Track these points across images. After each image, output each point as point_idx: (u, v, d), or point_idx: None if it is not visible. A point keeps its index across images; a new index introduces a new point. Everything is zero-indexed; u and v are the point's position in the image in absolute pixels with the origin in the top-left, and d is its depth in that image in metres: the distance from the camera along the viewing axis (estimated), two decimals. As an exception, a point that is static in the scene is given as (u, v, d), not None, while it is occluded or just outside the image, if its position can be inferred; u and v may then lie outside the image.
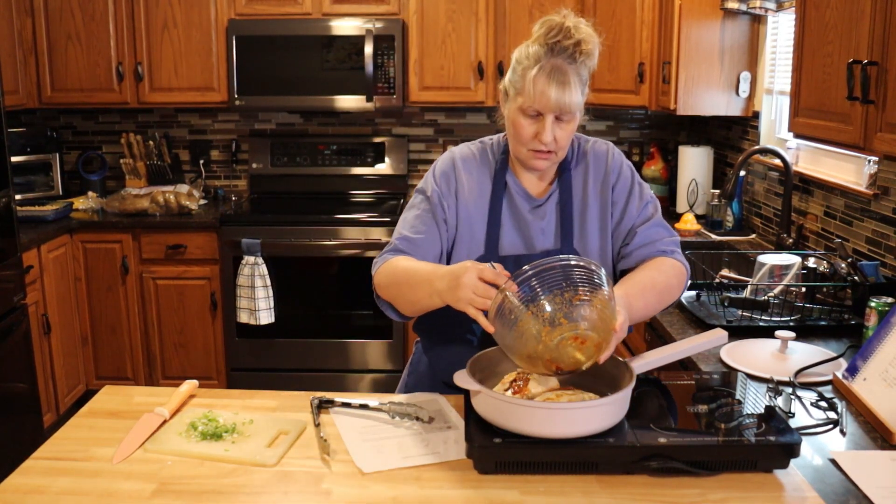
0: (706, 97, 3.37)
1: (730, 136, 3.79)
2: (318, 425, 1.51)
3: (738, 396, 1.51)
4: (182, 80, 4.00)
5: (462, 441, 1.39)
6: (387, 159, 4.30)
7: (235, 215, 3.90)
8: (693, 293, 2.41)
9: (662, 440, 1.31)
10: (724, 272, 2.56)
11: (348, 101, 3.95)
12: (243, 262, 3.73)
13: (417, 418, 1.52)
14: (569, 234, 1.69)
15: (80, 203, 4.03)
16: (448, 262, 1.71)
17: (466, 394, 1.42)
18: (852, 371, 1.72)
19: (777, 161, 3.10)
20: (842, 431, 1.54)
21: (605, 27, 3.70)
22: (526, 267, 1.34)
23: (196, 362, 3.96)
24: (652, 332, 2.44)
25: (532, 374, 1.45)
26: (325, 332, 3.91)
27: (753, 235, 3.39)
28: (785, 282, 2.28)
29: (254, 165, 4.32)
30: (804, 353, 1.91)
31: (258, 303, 3.73)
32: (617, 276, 1.73)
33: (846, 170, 2.72)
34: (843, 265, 2.28)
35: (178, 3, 3.93)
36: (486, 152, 1.76)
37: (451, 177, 1.73)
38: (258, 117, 4.40)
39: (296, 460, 1.41)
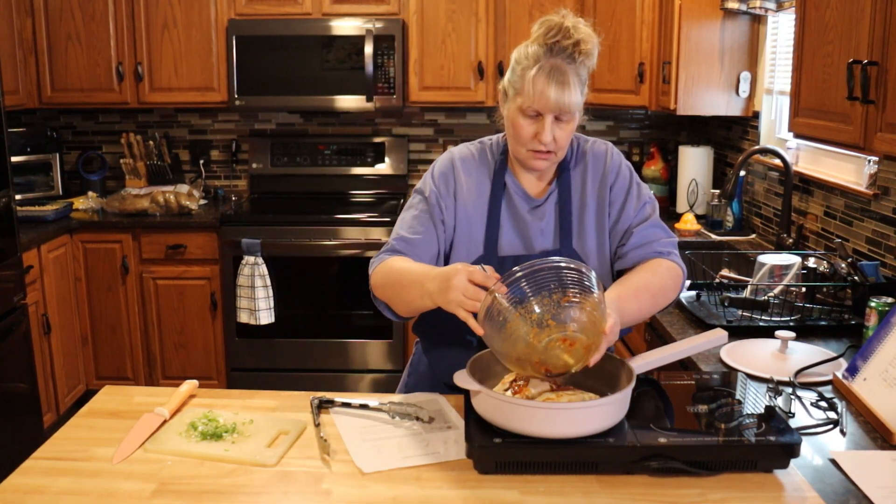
0: (706, 97, 3.37)
1: (730, 136, 3.79)
2: (318, 425, 1.51)
3: (738, 396, 1.51)
4: (182, 80, 4.00)
5: (462, 441, 1.39)
6: (387, 159, 4.30)
7: (235, 215, 3.90)
8: (693, 293, 2.41)
9: (662, 440, 1.31)
10: (724, 272, 2.56)
11: (348, 101, 3.95)
12: (243, 262, 3.73)
13: (417, 418, 1.52)
14: (568, 235, 1.69)
15: (80, 203, 4.03)
16: (446, 263, 1.71)
17: (466, 394, 1.42)
18: (852, 371, 1.72)
19: (777, 161, 3.10)
20: (842, 431, 1.54)
21: (605, 27, 3.70)
22: (516, 268, 1.34)
23: (196, 362, 3.96)
24: (652, 332, 2.44)
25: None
26: (325, 332, 3.91)
27: (753, 235, 3.39)
28: (785, 282, 2.28)
29: (254, 165, 4.32)
30: (804, 353, 1.91)
31: (258, 303, 3.73)
32: (614, 276, 1.73)
33: (846, 170, 2.72)
34: (843, 265, 2.28)
35: (178, 3, 3.93)
36: (486, 152, 1.76)
37: (450, 177, 1.73)
38: (258, 117, 4.40)
39: (296, 460, 1.41)
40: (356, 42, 3.89)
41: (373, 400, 1.60)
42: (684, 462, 1.30)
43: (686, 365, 1.94)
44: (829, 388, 1.75)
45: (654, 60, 3.54)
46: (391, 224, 3.72)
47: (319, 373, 3.92)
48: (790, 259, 2.34)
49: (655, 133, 4.36)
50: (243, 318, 3.77)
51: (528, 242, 1.70)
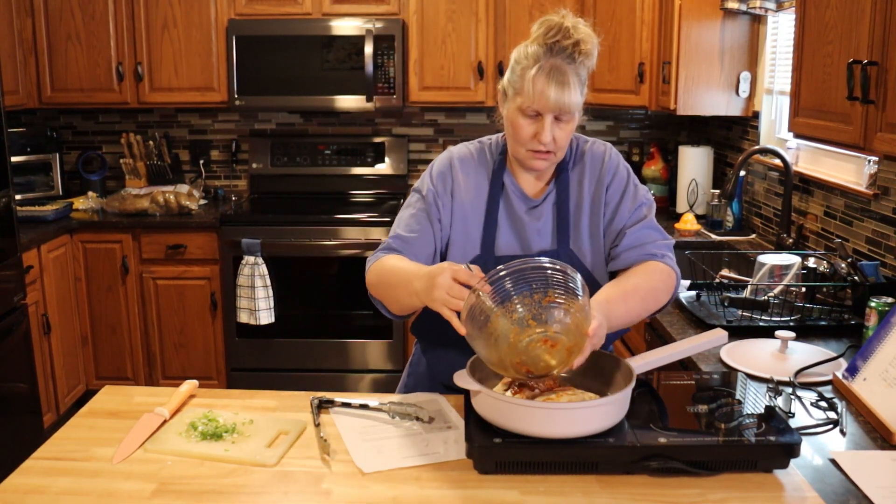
0: (706, 97, 3.37)
1: (730, 136, 3.79)
2: (318, 425, 1.51)
3: (738, 396, 1.51)
4: (182, 80, 4.00)
5: (462, 441, 1.39)
6: (387, 159, 4.30)
7: (235, 215, 3.90)
8: (693, 293, 2.41)
9: (662, 440, 1.31)
10: (724, 272, 2.56)
11: (348, 101, 3.95)
12: (243, 262, 3.73)
13: (417, 418, 1.52)
14: (565, 235, 1.69)
15: (80, 203, 4.03)
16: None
17: (466, 394, 1.42)
18: (852, 371, 1.72)
19: (777, 161, 3.10)
20: (842, 431, 1.54)
21: (605, 27, 3.70)
22: (500, 267, 1.34)
23: (196, 362, 3.96)
24: (652, 332, 2.44)
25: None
26: (325, 332, 3.91)
27: (753, 235, 3.39)
28: (785, 282, 2.28)
29: (254, 165, 4.32)
30: (804, 353, 1.91)
31: (258, 303, 3.73)
32: (609, 278, 1.72)
33: (846, 170, 2.72)
34: (843, 265, 2.28)
35: (178, 3, 3.93)
36: (485, 152, 1.76)
37: (448, 176, 1.73)
38: (258, 117, 4.40)
39: (296, 460, 1.41)
40: (356, 42, 3.89)
41: (373, 400, 1.60)
42: (684, 462, 1.30)
43: (686, 365, 1.94)
44: (829, 388, 1.75)
45: (654, 60, 3.54)
46: (391, 224, 3.70)
47: (319, 373, 3.92)
48: (790, 259, 2.34)
49: (655, 133, 4.36)
50: (243, 318, 3.77)
51: (525, 243, 1.70)
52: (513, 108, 1.61)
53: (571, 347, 1.33)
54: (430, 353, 1.81)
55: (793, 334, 1.90)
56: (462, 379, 1.40)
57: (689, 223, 3.51)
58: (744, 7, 3.16)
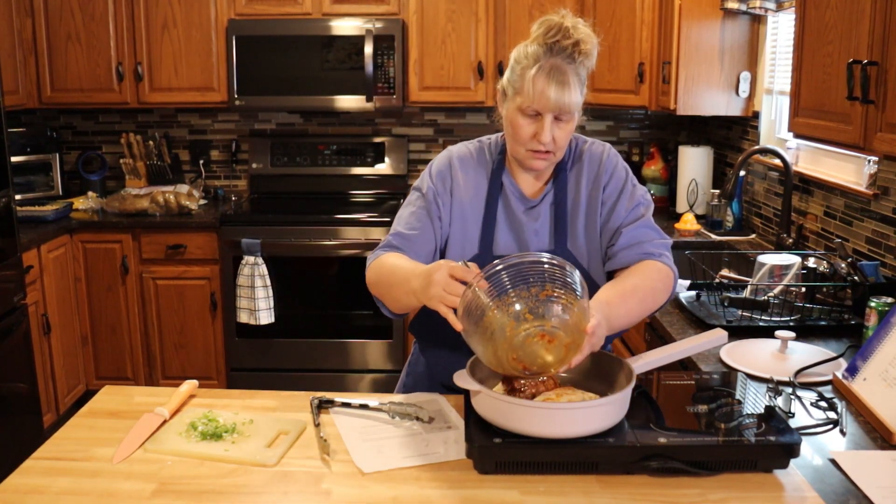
0: (706, 97, 3.37)
1: (730, 136, 3.79)
2: (318, 425, 1.51)
3: (738, 396, 1.51)
4: (182, 80, 4.00)
5: (462, 441, 1.39)
6: (387, 159, 4.30)
7: (235, 215, 3.90)
8: (693, 293, 2.41)
9: (662, 440, 1.31)
10: (724, 272, 2.56)
11: (348, 101, 3.95)
12: (243, 262, 3.73)
13: (417, 418, 1.52)
14: (562, 236, 1.69)
15: (80, 203, 4.03)
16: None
17: (466, 394, 1.42)
18: (852, 371, 1.72)
19: (777, 161, 3.10)
20: (842, 431, 1.54)
21: (605, 27, 3.70)
22: (497, 261, 1.33)
23: (196, 362, 3.96)
24: (652, 332, 2.44)
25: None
26: (325, 332, 3.91)
27: (753, 235, 3.39)
28: (785, 282, 2.28)
29: (254, 165, 4.32)
30: (804, 353, 1.91)
31: (258, 303, 3.73)
32: (606, 278, 1.71)
33: (846, 170, 2.72)
34: (843, 265, 2.28)
35: (178, 3, 3.93)
36: (484, 152, 1.76)
37: (448, 175, 1.73)
38: (258, 117, 4.40)
39: (296, 460, 1.41)
40: (356, 42, 3.89)
41: (373, 400, 1.60)
42: (684, 462, 1.30)
43: (686, 365, 1.94)
44: (829, 388, 1.75)
45: (653, 60, 3.54)
46: (391, 224, 3.71)
47: (319, 373, 3.92)
48: (790, 259, 2.34)
49: (655, 133, 4.36)
50: (243, 318, 3.77)
51: (523, 243, 1.70)
52: (512, 108, 1.61)
53: (570, 344, 1.31)
54: (429, 352, 1.81)
55: (793, 334, 1.90)
56: (462, 379, 1.40)
57: (688, 223, 3.51)
58: (744, 7, 3.16)
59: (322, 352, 3.91)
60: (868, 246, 2.51)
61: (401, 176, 4.31)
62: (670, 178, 4.07)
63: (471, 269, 1.36)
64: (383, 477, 1.34)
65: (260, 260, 3.73)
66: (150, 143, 4.26)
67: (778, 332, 1.91)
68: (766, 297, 2.22)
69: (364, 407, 1.58)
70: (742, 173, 3.48)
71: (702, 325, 2.19)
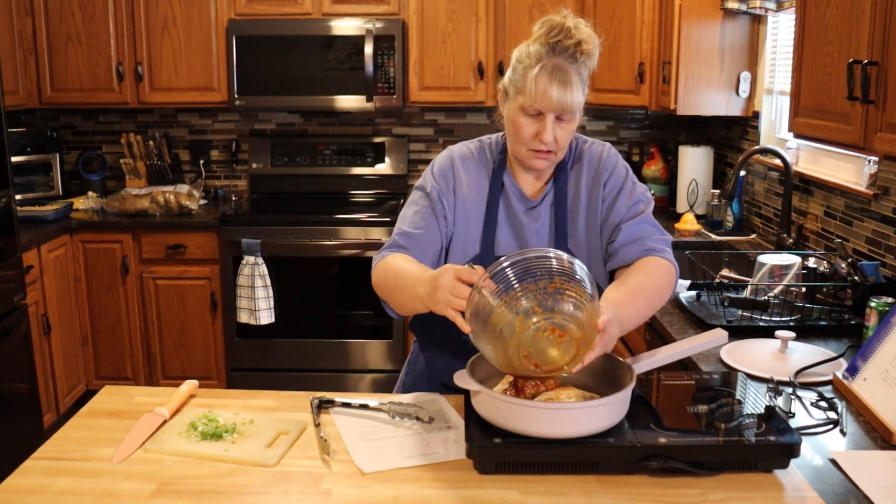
0: (706, 97, 3.37)
1: (730, 136, 3.79)
2: (318, 425, 1.51)
3: (738, 396, 1.51)
4: (182, 80, 4.00)
5: (462, 441, 1.38)
6: (387, 159, 4.30)
7: (235, 215, 3.90)
8: (693, 293, 2.41)
9: (662, 440, 1.31)
10: (724, 272, 2.56)
11: (348, 101, 3.95)
12: (243, 262, 3.73)
13: (417, 418, 1.52)
14: (563, 236, 1.69)
15: (80, 203, 4.03)
16: (445, 260, 1.71)
17: (466, 394, 1.42)
18: (852, 371, 1.72)
19: (777, 161, 3.10)
20: (842, 431, 1.54)
21: (605, 27, 3.70)
22: (502, 258, 1.32)
23: (196, 362, 3.96)
24: (652, 332, 2.44)
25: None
26: (325, 332, 3.91)
27: (753, 235, 3.39)
28: (785, 282, 2.28)
29: (254, 165, 4.32)
30: (804, 353, 1.91)
31: (258, 303, 3.73)
32: (608, 277, 1.71)
33: (846, 170, 2.72)
34: (843, 265, 2.28)
35: (178, 3, 3.93)
36: (485, 151, 1.76)
37: (450, 175, 1.73)
38: (258, 117, 4.40)
39: (296, 460, 1.41)
40: (356, 42, 3.89)
41: (373, 400, 1.60)
42: (684, 462, 1.30)
43: (686, 365, 1.94)
44: (829, 388, 1.75)
45: (654, 60, 3.54)
46: (391, 224, 3.72)
47: (319, 373, 3.92)
48: (790, 259, 2.34)
49: (655, 133, 4.36)
50: (243, 318, 3.77)
51: (523, 243, 1.70)
52: (514, 108, 1.61)
53: (581, 339, 1.29)
54: (429, 351, 1.81)
55: (793, 334, 1.90)
56: (462, 379, 1.40)
57: (689, 223, 3.51)
58: (744, 7, 3.16)
59: (322, 352, 3.91)
60: (868, 246, 2.51)
61: (401, 176, 4.31)
62: (670, 178, 4.07)
63: (476, 270, 1.36)
64: (383, 477, 1.34)
65: (260, 260, 3.73)
66: (150, 143, 4.26)
67: (778, 332, 1.91)
68: (766, 297, 2.22)
69: (364, 407, 1.58)
70: (742, 173, 3.48)
71: (702, 325, 2.19)
